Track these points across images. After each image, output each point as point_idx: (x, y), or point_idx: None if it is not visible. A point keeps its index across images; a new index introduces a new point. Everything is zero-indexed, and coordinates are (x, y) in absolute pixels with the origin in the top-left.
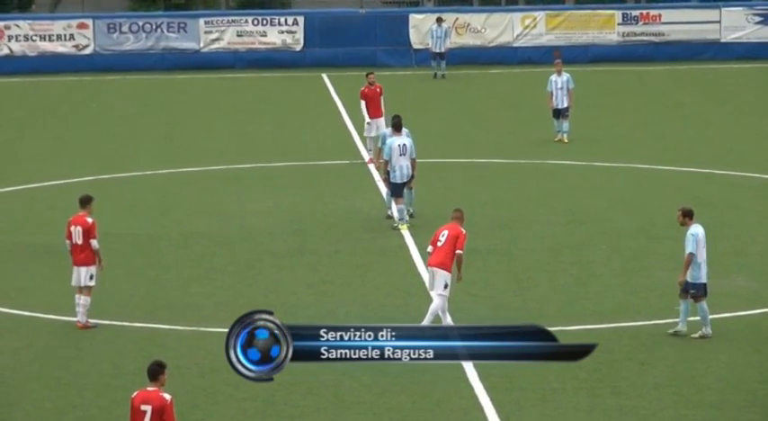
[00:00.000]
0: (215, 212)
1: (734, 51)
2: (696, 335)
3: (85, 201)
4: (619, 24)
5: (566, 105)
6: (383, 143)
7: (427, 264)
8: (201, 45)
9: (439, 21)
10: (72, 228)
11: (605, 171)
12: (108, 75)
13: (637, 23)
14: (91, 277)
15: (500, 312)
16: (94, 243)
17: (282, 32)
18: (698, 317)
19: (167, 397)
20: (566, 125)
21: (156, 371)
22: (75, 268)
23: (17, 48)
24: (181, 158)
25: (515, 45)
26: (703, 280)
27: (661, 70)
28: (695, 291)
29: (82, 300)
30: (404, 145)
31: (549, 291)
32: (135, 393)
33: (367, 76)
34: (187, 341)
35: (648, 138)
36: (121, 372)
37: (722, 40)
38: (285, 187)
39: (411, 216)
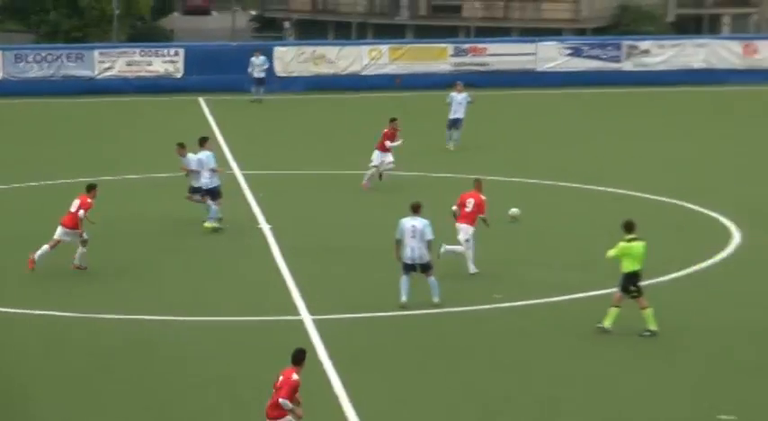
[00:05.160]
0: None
1: (548, 79)
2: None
3: (90, 188)
4: (451, 56)
5: (461, 117)
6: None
7: (457, 221)
8: (96, 73)
9: (257, 53)
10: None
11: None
12: (15, 99)
13: (466, 55)
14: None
15: None
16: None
17: (165, 62)
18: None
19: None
20: (456, 134)
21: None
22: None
23: None
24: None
25: (363, 73)
26: (426, 259)
27: (487, 95)
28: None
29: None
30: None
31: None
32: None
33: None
34: None
35: (476, 151)
36: None
37: (537, 70)
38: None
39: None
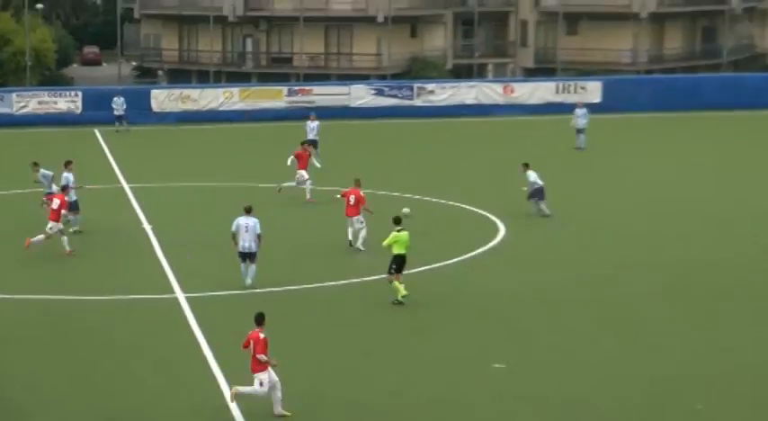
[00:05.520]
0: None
1: (359, 113)
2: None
3: (64, 189)
4: (285, 96)
5: (316, 139)
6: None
7: (346, 214)
8: (14, 110)
9: (118, 96)
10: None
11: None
12: None
13: (297, 95)
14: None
15: None
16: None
17: (68, 101)
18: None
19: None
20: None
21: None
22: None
23: None
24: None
25: (220, 109)
26: (254, 249)
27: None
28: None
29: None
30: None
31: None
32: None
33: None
34: None
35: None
36: None
37: (351, 105)
38: None
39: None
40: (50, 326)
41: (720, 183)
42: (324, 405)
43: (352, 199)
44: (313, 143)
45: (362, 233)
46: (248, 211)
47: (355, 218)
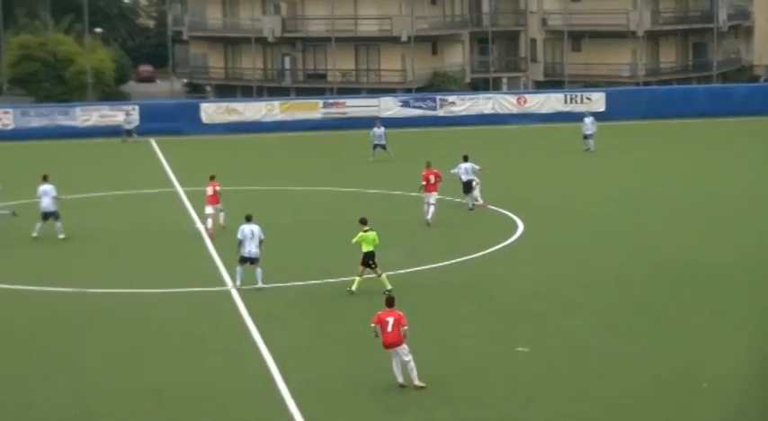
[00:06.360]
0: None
1: (387, 122)
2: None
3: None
4: (321, 108)
5: (383, 143)
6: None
7: (425, 191)
8: (79, 122)
9: (127, 114)
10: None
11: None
12: (24, 141)
13: (332, 107)
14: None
15: None
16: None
17: (126, 114)
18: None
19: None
20: (381, 149)
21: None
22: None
23: None
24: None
25: (263, 120)
26: (258, 254)
27: (347, 134)
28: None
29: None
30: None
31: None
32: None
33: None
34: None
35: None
36: None
37: (381, 116)
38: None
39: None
40: (113, 317)
41: (712, 180)
42: (360, 386)
43: (431, 178)
44: (382, 146)
45: (432, 209)
46: (249, 219)
47: (433, 194)
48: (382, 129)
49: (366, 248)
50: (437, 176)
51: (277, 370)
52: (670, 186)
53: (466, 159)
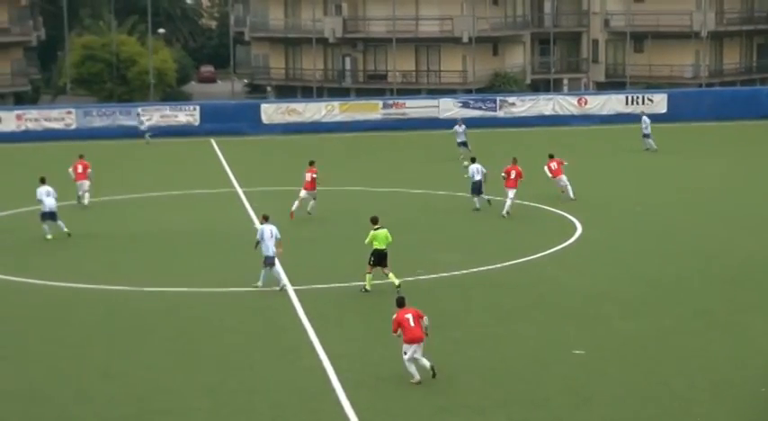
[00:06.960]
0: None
1: (447, 124)
2: (278, 288)
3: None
4: (381, 108)
5: (465, 140)
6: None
7: (506, 186)
8: (139, 122)
9: (138, 115)
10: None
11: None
12: (86, 141)
13: (391, 108)
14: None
15: None
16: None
17: (187, 115)
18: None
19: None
20: (464, 149)
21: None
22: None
23: (30, 125)
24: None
25: (322, 121)
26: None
27: (406, 135)
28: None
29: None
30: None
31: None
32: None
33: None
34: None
35: (396, 173)
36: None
37: (440, 117)
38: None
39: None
40: (171, 315)
41: None
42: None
43: (512, 173)
44: (463, 144)
45: (508, 203)
46: (266, 219)
47: (512, 189)
48: (463, 127)
49: (378, 246)
50: (518, 174)
51: (332, 369)
52: (731, 189)
53: (474, 160)
